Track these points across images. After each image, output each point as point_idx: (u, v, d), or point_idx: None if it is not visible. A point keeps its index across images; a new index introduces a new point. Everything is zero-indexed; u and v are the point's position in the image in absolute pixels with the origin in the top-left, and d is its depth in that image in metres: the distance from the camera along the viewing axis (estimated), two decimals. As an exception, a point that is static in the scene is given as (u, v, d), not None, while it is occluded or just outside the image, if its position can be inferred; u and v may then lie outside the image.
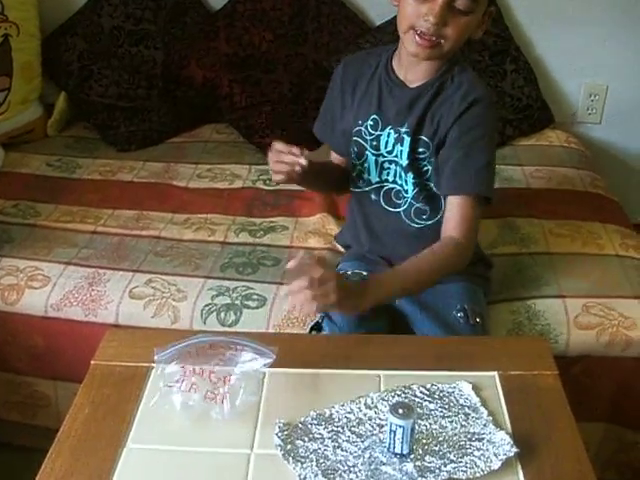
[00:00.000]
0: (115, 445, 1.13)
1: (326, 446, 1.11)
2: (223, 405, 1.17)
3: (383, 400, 1.20)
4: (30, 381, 1.85)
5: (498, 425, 1.15)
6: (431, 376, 1.26)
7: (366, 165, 1.58)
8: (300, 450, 1.11)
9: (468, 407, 1.19)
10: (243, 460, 1.11)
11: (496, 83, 2.50)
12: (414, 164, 1.53)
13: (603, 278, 1.80)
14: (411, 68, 1.52)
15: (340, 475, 1.06)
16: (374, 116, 1.55)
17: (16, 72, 2.45)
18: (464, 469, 1.07)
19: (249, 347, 1.21)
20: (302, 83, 2.56)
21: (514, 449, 1.09)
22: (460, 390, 1.23)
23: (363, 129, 1.56)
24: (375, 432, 1.14)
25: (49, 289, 1.79)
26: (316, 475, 1.06)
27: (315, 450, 1.11)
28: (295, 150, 1.46)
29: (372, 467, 1.07)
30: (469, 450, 1.10)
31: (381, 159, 1.56)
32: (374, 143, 1.56)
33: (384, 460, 1.08)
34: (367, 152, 1.57)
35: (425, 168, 1.53)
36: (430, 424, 1.15)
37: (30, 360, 1.83)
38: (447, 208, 1.51)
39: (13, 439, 1.91)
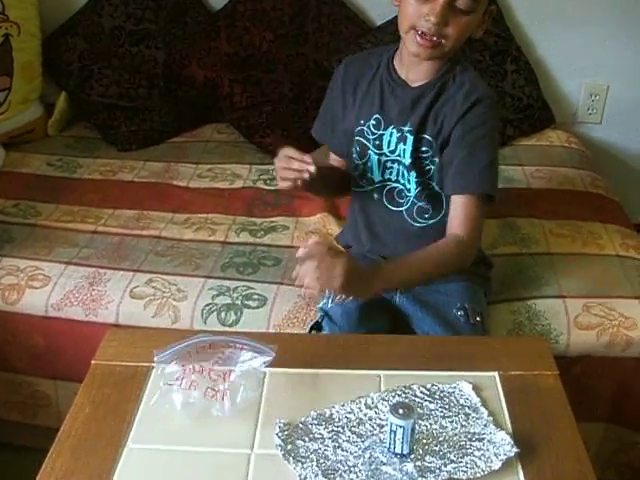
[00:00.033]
0: (115, 445, 1.13)
1: (326, 446, 1.11)
2: (224, 402, 1.17)
3: (383, 400, 1.20)
4: (31, 381, 1.85)
5: (498, 425, 1.15)
6: (431, 376, 1.26)
7: (369, 164, 1.58)
8: (300, 450, 1.11)
9: (468, 407, 1.19)
10: (243, 460, 1.11)
11: (497, 83, 2.50)
12: (417, 163, 1.53)
13: (603, 278, 1.80)
14: (412, 68, 1.52)
15: (340, 475, 1.06)
16: (376, 116, 1.55)
17: (17, 72, 2.45)
18: (464, 469, 1.07)
19: (248, 346, 1.21)
20: (303, 83, 2.56)
21: (514, 449, 1.10)
22: (460, 390, 1.23)
23: (365, 129, 1.56)
24: (375, 432, 1.14)
25: (50, 289, 1.79)
26: (316, 475, 1.06)
27: (315, 450, 1.11)
28: (307, 158, 1.45)
29: (372, 467, 1.08)
30: (469, 450, 1.10)
31: (384, 158, 1.56)
32: (377, 142, 1.56)
33: (384, 460, 1.08)
34: (370, 151, 1.57)
35: (428, 167, 1.54)
36: (430, 424, 1.15)
37: (31, 360, 1.83)
38: (451, 207, 1.52)
39: (14, 439, 1.91)
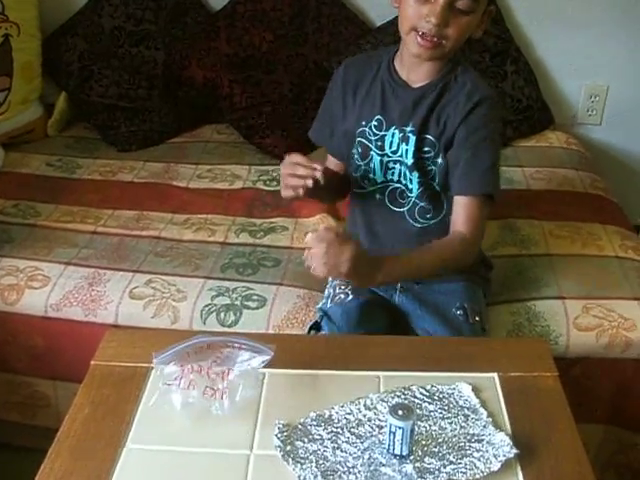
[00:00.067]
0: (115, 445, 1.13)
1: (325, 447, 1.11)
2: (223, 401, 1.17)
3: (382, 401, 1.20)
4: (30, 381, 1.85)
5: (498, 426, 1.15)
6: (431, 377, 1.26)
7: (371, 165, 1.58)
8: (300, 451, 1.11)
9: (468, 408, 1.19)
10: (242, 461, 1.11)
11: (496, 84, 2.50)
12: (419, 163, 1.53)
13: (603, 279, 1.81)
14: (413, 68, 1.53)
15: (339, 476, 1.06)
16: (378, 117, 1.55)
17: (16, 72, 2.45)
18: (464, 470, 1.07)
19: (247, 346, 1.20)
20: (302, 84, 2.56)
21: (514, 450, 1.10)
22: (460, 391, 1.23)
23: (367, 130, 1.57)
24: (374, 433, 1.14)
25: (49, 289, 1.79)
26: (315, 476, 1.06)
27: (315, 451, 1.11)
28: (317, 165, 1.44)
29: (371, 468, 1.07)
30: (469, 451, 1.10)
31: (386, 159, 1.57)
32: (379, 143, 1.56)
33: (383, 461, 1.08)
34: (372, 152, 1.57)
35: (430, 167, 1.54)
36: (430, 425, 1.15)
37: (30, 360, 1.83)
38: (455, 207, 1.53)
39: (13, 439, 1.91)
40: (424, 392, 1.22)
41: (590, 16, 2.55)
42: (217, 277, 1.81)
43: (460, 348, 1.37)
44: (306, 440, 1.13)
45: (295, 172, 1.45)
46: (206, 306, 1.73)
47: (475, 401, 1.20)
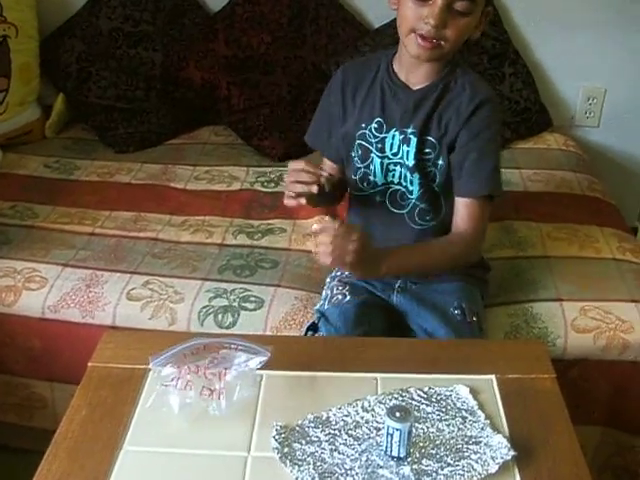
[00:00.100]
0: (112, 447, 1.13)
1: (323, 449, 1.11)
2: (220, 401, 1.17)
3: (380, 403, 1.20)
4: (27, 383, 1.85)
5: (495, 428, 1.15)
6: (428, 379, 1.26)
7: (372, 167, 1.58)
8: (297, 453, 1.10)
9: (465, 410, 1.19)
10: (240, 463, 1.10)
11: (494, 86, 2.49)
12: (420, 165, 1.54)
13: (600, 281, 1.81)
14: (413, 70, 1.53)
15: (337, 478, 1.06)
16: (378, 119, 1.56)
17: (14, 73, 2.45)
18: (461, 472, 1.07)
19: (244, 347, 1.20)
20: (300, 85, 2.56)
21: (511, 452, 1.10)
22: (457, 393, 1.23)
23: (367, 132, 1.57)
24: (372, 435, 1.14)
25: (46, 291, 1.79)
26: (313, 478, 1.06)
27: (312, 453, 1.11)
28: (324, 173, 1.45)
29: (369, 470, 1.07)
30: (466, 453, 1.10)
31: (386, 161, 1.57)
32: (379, 146, 1.56)
33: (381, 463, 1.08)
34: (372, 154, 1.57)
35: (430, 169, 1.55)
36: (427, 427, 1.15)
37: (27, 362, 1.82)
38: (457, 207, 1.54)
39: (10, 441, 1.91)
40: (422, 394, 1.22)
41: (588, 18, 2.55)
42: (215, 279, 1.81)
43: (458, 350, 1.37)
44: (304, 442, 1.13)
45: (299, 179, 1.45)
46: (204, 308, 1.73)
47: (473, 403, 1.20)
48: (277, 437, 1.13)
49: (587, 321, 1.69)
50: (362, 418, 1.17)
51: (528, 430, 1.16)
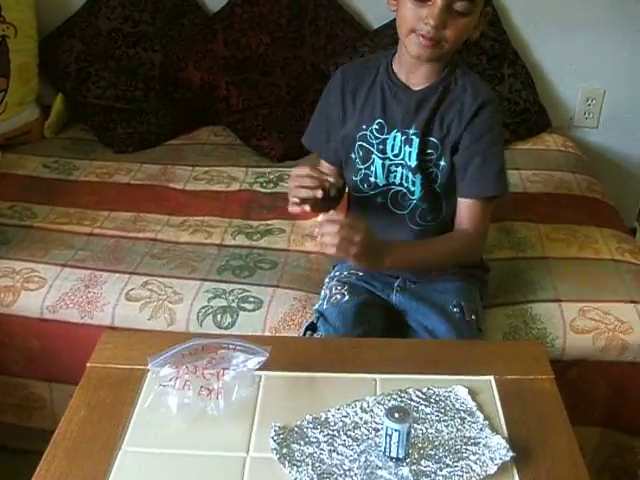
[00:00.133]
0: (110, 448, 1.12)
1: (322, 450, 1.11)
2: (218, 401, 1.17)
3: (379, 404, 1.20)
4: (26, 383, 1.85)
5: (494, 429, 1.15)
6: (427, 380, 1.26)
7: (373, 169, 1.58)
8: (296, 454, 1.10)
9: (464, 411, 1.19)
10: (239, 463, 1.10)
11: (493, 87, 2.49)
12: (422, 165, 1.54)
13: (599, 282, 1.81)
14: (413, 71, 1.53)
15: (336, 479, 1.06)
16: (379, 120, 1.56)
17: (13, 73, 2.45)
18: (460, 473, 1.07)
19: (242, 347, 1.20)
20: (299, 86, 2.56)
21: (510, 453, 1.10)
22: (456, 394, 1.23)
23: (368, 133, 1.57)
24: (371, 436, 1.14)
25: (45, 291, 1.79)
26: (312, 479, 1.06)
27: (311, 454, 1.10)
28: (332, 179, 1.44)
29: (368, 471, 1.07)
30: (465, 454, 1.10)
31: (388, 162, 1.57)
32: (380, 147, 1.56)
33: (380, 464, 1.08)
34: (374, 156, 1.57)
35: (431, 169, 1.55)
36: (426, 428, 1.15)
37: (26, 362, 1.82)
38: (460, 207, 1.56)
39: (9, 441, 1.91)
40: (420, 395, 1.22)
41: (587, 19, 2.55)
42: (214, 279, 1.81)
43: (457, 351, 1.37)
44: (302, 443, 1.12)
45: (303, 184, 1.44)
46: (202, 308, 1.73)
47: (471, 404, 1.20)
48: (276, 438, 1.13)
49: (586, 322, 1.69)
50: (361, 419, 1.17)
51: (527, 431, 1.16)
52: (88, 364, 1.30)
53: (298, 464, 1.09)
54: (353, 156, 1.60)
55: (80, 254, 1.90)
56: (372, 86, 1.57)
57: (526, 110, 2.56)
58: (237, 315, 1.71)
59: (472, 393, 1.23)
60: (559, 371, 1.30)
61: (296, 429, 1.15)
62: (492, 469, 1.07)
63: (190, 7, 2.66)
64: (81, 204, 2.13)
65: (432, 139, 1.53)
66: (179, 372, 1.18)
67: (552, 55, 2.63)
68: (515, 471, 1.09)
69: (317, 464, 1.09)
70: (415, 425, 1.14)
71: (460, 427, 1.16)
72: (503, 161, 1.56)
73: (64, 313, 1.76)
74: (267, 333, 1.68)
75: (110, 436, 1.15)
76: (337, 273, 1.69)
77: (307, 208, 1.45)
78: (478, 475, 1.07)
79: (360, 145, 1.58)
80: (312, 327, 1.57)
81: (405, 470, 1.07)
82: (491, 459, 1.09)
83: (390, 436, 1.07)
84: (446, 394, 1.23)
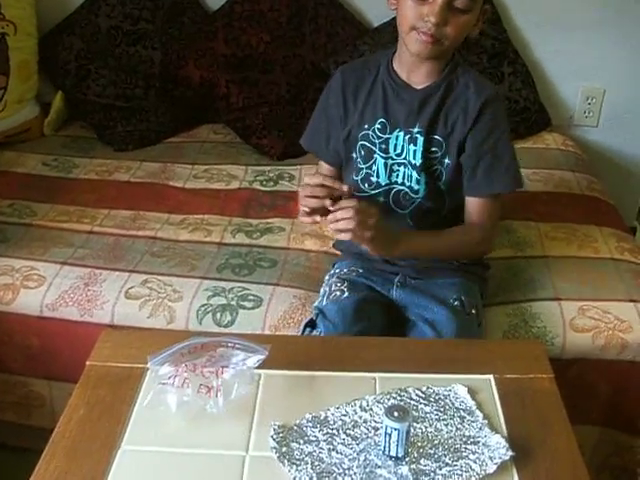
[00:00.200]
0: (110, 446, 1.12)
1: (321, 449, 1.11)
2: (217, 399, 1.17)
3: (378, 403, 1.20)
4: (25, 381, 1.85)
5: (493, 428, 1.15)
6: (427, 379, 1.26)
7: (375, 168, 1.58)
8: (295, 452, 1.10)
9: (463, 410, 1.19)
10: (238, 462, 1.10)
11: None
12: (426, 163, 1.55)
13: (599, 281, 1.81)
14: (414, 69, 1.53)
15: (335, 478, 1.06)
16: (381, 120, 1.56)
17: (13, 71, 2.45)
18: (459, 472, 1.07)
19: (241, 346, 1.20)
20: (299, 84, 2.56)
21: (509, 452, 1.10)
22: (456, 393, 1.23)
23: (371, 133, 1.57)
24: (370, 435, 1.14)
25: (45, 289, 1.79)
26: (311, 478, 1.06)
27: (310, 453, 1.10)
28: (345, 187, 1.42)
29: (367, 470, 1.07)
30: (464, 453, 1.10)
31: (390, 161, 1.57)
32: (383, 146, 1.56)
33: (379, 463, 1.08)
34: (376, 155, 1.57)
35: (436, 167, 1.56)
36: (425, 427, 1.15)
37: (25, 360, 1.82)
38: (471, 204, 1.57)
39: (8, 439, 1.91)
40: (420, 394, 1.22)
41: (588, 18, 2.55)
42: (213, 277, 1.81)
43: (456, 350, 1.37)
44: (302, 441, 1.12)
45: (314, 194, 1.41)
46: (202, 306, 1.73)
47: (471, 403, 1.20)
48: (275, 437, 1.13)
49: (585, 320, 1.69)
50: (360, 418, 1.17)
51: (526, 430, 1.16)
52: (87, 362, 1.30)
53: (297, 463, 1.09)
54: (354, 156, 1.60)
55: (80, 252, 1.90)
56: (373, 86, 1.57)
57: (526, 109, 2.56)
58: (237, 313, 1.71)
59: (471, 392, 1.23)
60: (558, 370, 1.30)
61: (295, 428, 1.15)
62: (491, 468, 1.08)
63: (190, 5, 2.65)
64: (81, 202, 2.13)
65: (436, 137, 1.54)
66: (178, 370, 1.18)
67: (552, 54, 2.63)
68: (514, 470, 1.09)
69: (316, 463, 1.09)
70: (414, 424, 1.14)
71: (459, 426, 1.16)
72: (513, 154, 1.57)
73: (63, 311, 1.76)
74: (267, 331, 1.68)
75: (109, 434, 1.15)
76: (337, 270, 1.69)
77: (318, 219, 1.43)
78: (477, 474, 1.07)
79: (362, 145, 1.58)
80: (311, 324, 1.57)
81: (404, 469, 1.07)
82: (490, 458, 1.09)
83: (389, 435, 1.07)
84: (445, 393, 1.23)
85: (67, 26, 2.62)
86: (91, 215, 2.07)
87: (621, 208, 2.25)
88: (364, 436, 1.14)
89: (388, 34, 2.37)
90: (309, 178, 1.46)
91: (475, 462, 1.08)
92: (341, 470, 1.07)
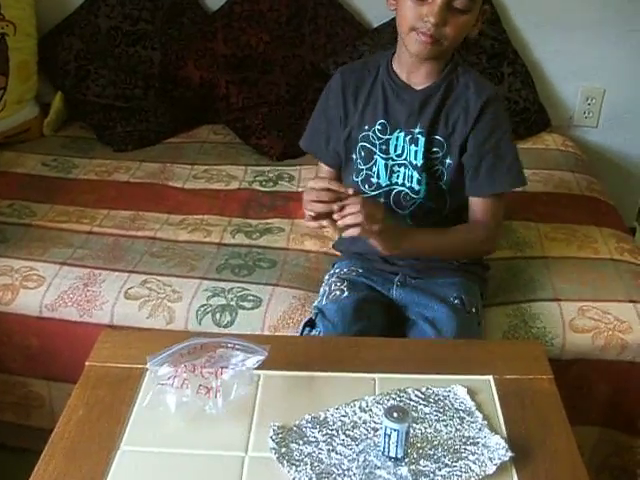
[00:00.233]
0: (109, 447, 1.12)
1: (320, 449, 1.11)
2: (217, 400, 1.17)
3: (378, 403, 1.19)
4: (24, 381, 1.85)
5: (493, 429, 1.15)
6: (426, 379, 1.25)
7: (375, 169, 1.58)
8: (294, 453, 1.10)
9: (463, 411, 1.19)
10: (237, 463, 1.10)
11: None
12: (427, 164, 1.55)
13: (598, 282, 1.81)
14: (414, 70, 1.53)
15: (334, 479, 1.06)
16: (382, 121, 1.56)
17: (12, 71, 2.45)
18: (459, 473, 1.07)
19: (241, 346, 1.20)
20: (299, 85, 2.56)
21: (509, 453, 1.09)
22: (455, 394, 1.22)
23: (371, 134, 1.57)
24: (370, 436, 1.14)
25: (44, 289, 1.79)
26: (310, 478, 1.06)
27: (309, 453, 1.10)
28: (350, 191, 1.41)
29: (366, 471, 1.07)
30: (464, 454, 1.10)
31: (390, 162, 1.57)
32: (383, 147, 1.56)
33: (378, 464, 1.08)
34: (376, 156, 1.57)
35: (437, 167, 1.56)
36: (425, 428, 1.15)
37: (24, 360, 1.82)
38: (474, 202, 1.57)
39: (7, 440, 1.91)
40: (419, 394, 1.22)
41: (587, 18, 2.55)
42: (213, 278, 1.81)
43: (455, 350, 1.37)
44: (301, 442, 1.12)
45: (320, 198, 1.40)
46: (202, 306, 1.73)
47: (470, 404, 1.20)
48: (274, 437, 1.13)
49: (585, 321, 1.69)
50: (360, 418, 1.17)
51: (526, 431, 1.16)
52: (87, 363, 1.30)
53: (297, 464, 1.08)
54: (354, 157, 1.60)
55: (79, 252, 1.90)
56: (373, 87, 1.57)
57: (526, 109, 2.56)
58: (236, 314, 1.71)
59: (471, 393, 1.22)
60: (558, 370, 1.30)
61: (295, 428, 1.15)
62: (491, 469, 1.07)
63: (190, 5, 2.65)
64: (80, 202, 2.13)
65: (438, 137, 1.54)
66: (178, 371, 1.17)
67: (552, 54, 2.63)
68: (514, 471, 1.09)
69: (316, 464, 1.09)
70: (414, 425, 1.14)
71: (459, 427, 1.16)
72: (516, 153, 1.58)
73: (63, 311, 1.76)
74: (266, 332, 1.68)
75: (108, 435, 1.14)
76: (337, 270, 1.69)
77: (324, 223, 1.41)
78: (477, 475, 1.07)
79: (362, 146, 1.58)
80: (310, 324, 1.57)
81: (404, 470, 1.07)
82: (490, 459, 1.09)
83: (389, 436, 1.07)
84: (445, 394, 1.22)
85: (67, 26, 2.62)
86: (90, 215, 2.07)
87: (621, 208, 2.25)
88: (363, 437, 1.14)
89: (388, 34, 2.37)
90: (314, 182, 1.42)
91: (475, 463, 1.08)
92: (340, 471, 1.07)
